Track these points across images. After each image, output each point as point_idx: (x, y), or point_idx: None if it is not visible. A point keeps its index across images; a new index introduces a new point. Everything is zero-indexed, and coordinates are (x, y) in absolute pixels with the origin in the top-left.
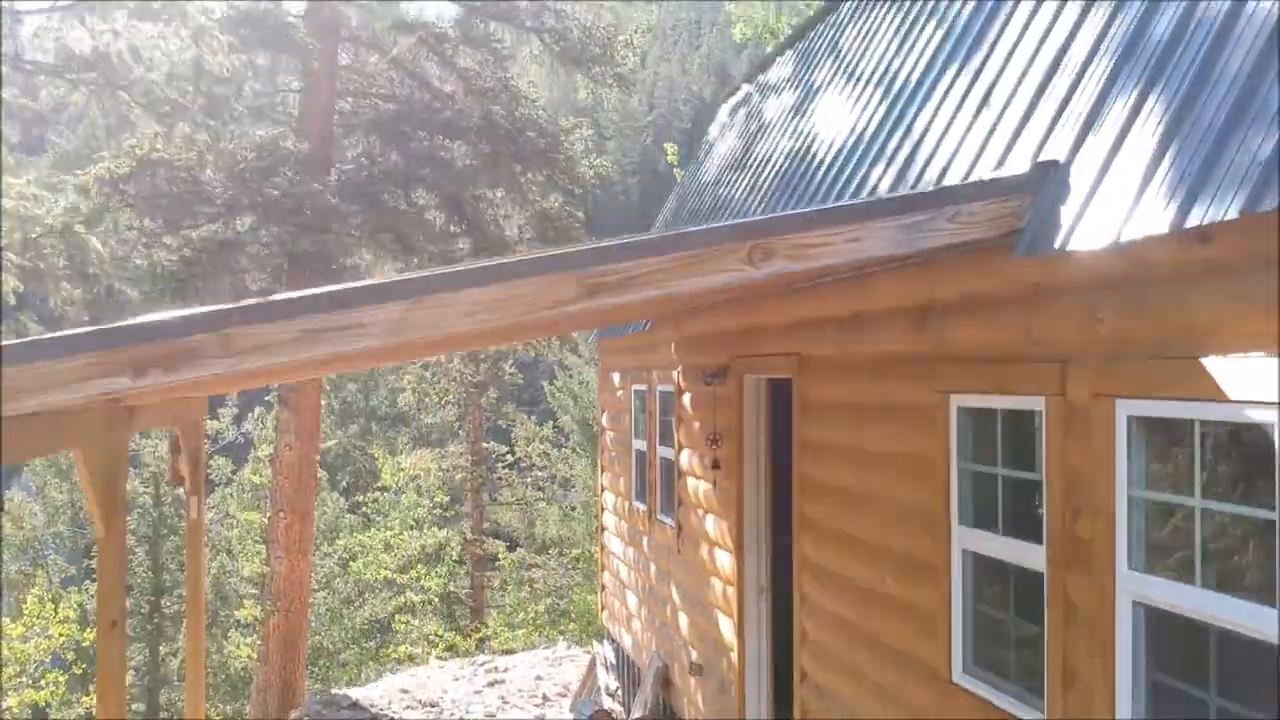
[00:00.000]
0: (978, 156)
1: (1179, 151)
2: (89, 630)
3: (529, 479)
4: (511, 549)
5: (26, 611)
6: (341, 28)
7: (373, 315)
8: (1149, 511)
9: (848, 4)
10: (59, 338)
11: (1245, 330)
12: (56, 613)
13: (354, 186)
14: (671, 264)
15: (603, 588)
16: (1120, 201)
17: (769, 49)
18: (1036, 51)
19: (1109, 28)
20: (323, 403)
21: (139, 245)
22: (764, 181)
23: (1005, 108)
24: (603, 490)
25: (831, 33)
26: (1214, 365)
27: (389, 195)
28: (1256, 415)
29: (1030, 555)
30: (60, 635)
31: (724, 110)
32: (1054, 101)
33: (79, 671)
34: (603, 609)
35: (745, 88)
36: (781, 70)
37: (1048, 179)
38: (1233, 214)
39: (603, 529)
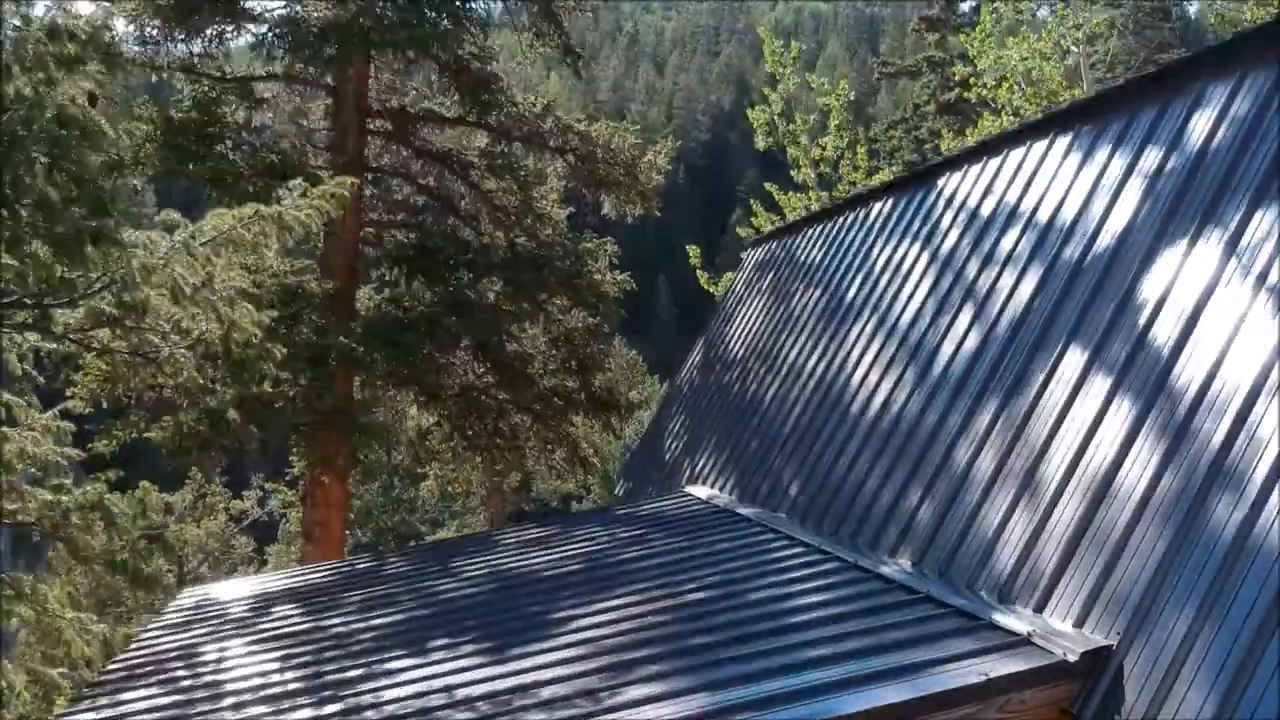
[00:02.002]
0: (1023, 559)
1: None
2: None
3: None
4: None
5: None
6: (367, 160)
7: None
8: None
9: (878, 205)
10: None
11: None
12: None
13: (380, 330)
14: None
15: None
16: None
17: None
18: (1079, 458)
19: (1159, 480)
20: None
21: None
22: (793, 413)
23: (1051, 508)
24: None
25: (860, 235)
26: None
27: (415, 339)
28: None
29: None
30: None
31: (750, 260)
32: (1101, 549)
33: None
34: None
35: (772, 244)
36: (810, 252)
37: (1100, 666)
38: None
39: None
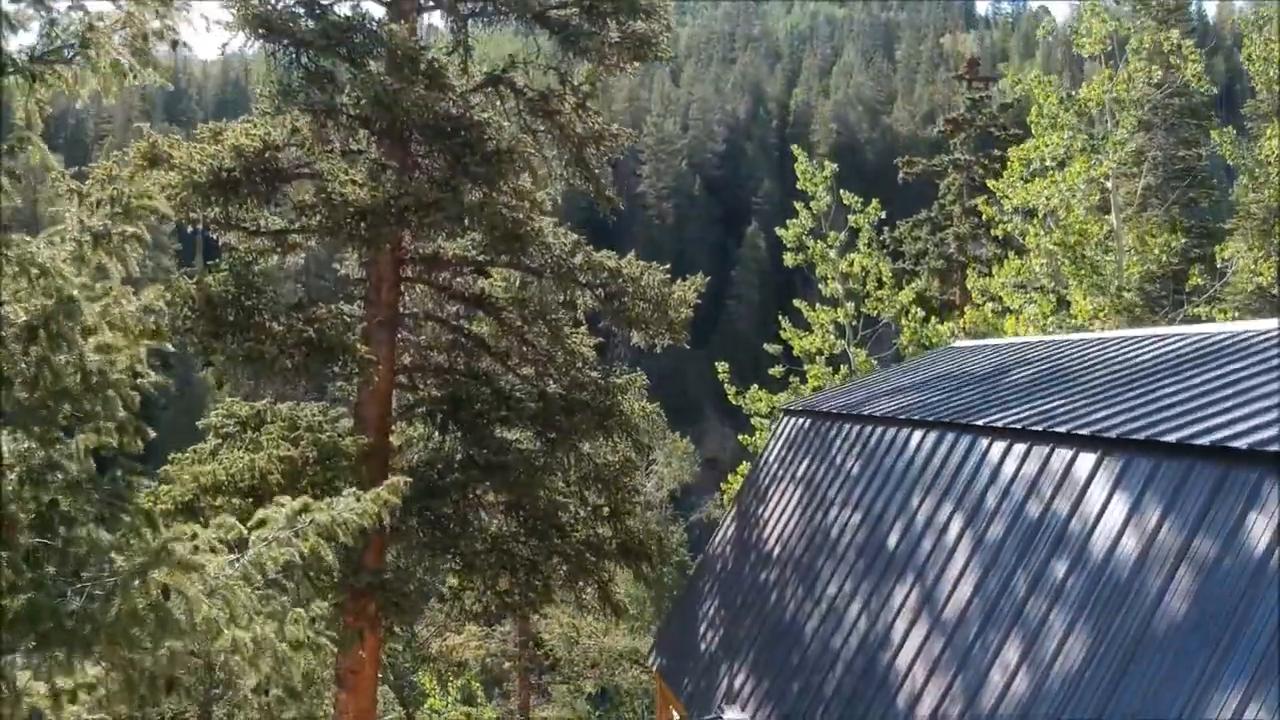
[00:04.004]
0: None
1: None
2: None
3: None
4: None
5: None
6: (400, 308)
7: None
8: None
9: (918, 437)
10: None
11: None
12: None
13: (414, 495)
14: None
15: None
16: None
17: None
18: None
19: None
20: None
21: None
22: (836, 670)
23: None
24: None
25: (900, 467)
26: None
27: (450, 507)
28: None
29: None
30: None
31: (781, 432)
32: None
33: None
34: None
35: (805, 423)
36: (847, 460)
37: None
38: None
39: None
